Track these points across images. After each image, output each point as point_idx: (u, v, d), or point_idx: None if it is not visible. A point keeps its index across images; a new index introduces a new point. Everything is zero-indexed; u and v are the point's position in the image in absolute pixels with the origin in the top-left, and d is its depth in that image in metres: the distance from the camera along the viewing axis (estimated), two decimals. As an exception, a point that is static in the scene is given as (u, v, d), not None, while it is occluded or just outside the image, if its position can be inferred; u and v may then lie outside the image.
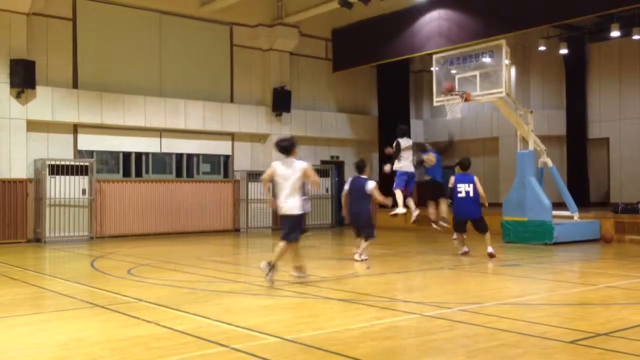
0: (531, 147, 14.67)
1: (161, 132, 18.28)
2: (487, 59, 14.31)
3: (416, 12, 18.14)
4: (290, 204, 8.18)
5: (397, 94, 21.85)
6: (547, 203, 13.91)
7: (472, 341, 5.20)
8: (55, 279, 9.31)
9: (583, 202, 18.75)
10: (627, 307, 6.63)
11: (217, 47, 19.54)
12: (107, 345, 5.10)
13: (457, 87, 14.63)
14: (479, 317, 6.09)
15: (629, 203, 16.10)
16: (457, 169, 11.61)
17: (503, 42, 14.02)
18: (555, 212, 14.20)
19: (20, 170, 15.79)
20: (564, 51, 20.47)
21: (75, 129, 16.96)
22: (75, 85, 16.85)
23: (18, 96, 15.70)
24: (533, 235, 13.82)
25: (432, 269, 10.16)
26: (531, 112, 15.05)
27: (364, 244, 10.79)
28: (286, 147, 8.29)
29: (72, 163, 16.49)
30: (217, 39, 19.55)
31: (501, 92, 13.90)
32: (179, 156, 18.89)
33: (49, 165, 16.00)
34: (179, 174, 18.87)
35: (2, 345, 5.19)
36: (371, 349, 4.92)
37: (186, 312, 6.40)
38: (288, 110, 20.04)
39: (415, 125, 23.45)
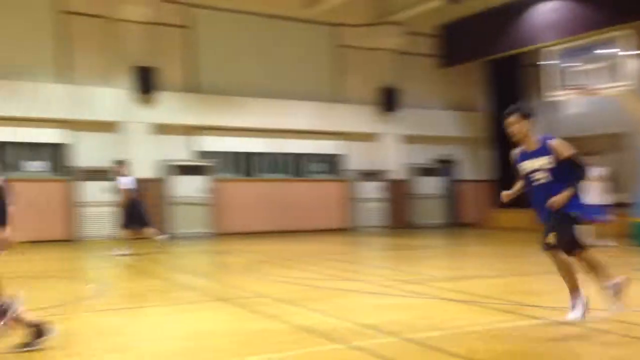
0: (660, 143, 13.71)
1: (271, 133, 18.81)
2: (606, 50, 13.53)
3: (528, 4, 17.48)
4: None
5: (507, 89, 21.12)
6: (680, 202, 12.95)
7: (605, 348, 4.95)
8: (182, 273, 9.86)
9: None
10: None
11: (323, 48, 19.82)
12: (235, 338, 5.32)
13: (572, 80, 13.98)
14: (613, 324, 5.74)
15: None
16: None
17: (630, 31, 13.20)
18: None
19: (146, 170, 16.50)
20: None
21: (193, 131, 17.83)
22: (192, 89, 17.72)
23: (145, 101, 16.74)
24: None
25: (550, 272, 9.73)
26: (659, 106, 14.08)
27: None
28: None
29: (195, 163, 17.43)
30: (323, 40, 19.81)
31: (624, 85, 13.11)
32: (290, 156, 19.35)
33: (173, 166, 17.11)
34: (290, 173, 19.35)
35: (132, 335, 5.51)
36: (493, 353, 4.81)
37: (309, 309, 6.50)
38: (397, 109, 19.97)
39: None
